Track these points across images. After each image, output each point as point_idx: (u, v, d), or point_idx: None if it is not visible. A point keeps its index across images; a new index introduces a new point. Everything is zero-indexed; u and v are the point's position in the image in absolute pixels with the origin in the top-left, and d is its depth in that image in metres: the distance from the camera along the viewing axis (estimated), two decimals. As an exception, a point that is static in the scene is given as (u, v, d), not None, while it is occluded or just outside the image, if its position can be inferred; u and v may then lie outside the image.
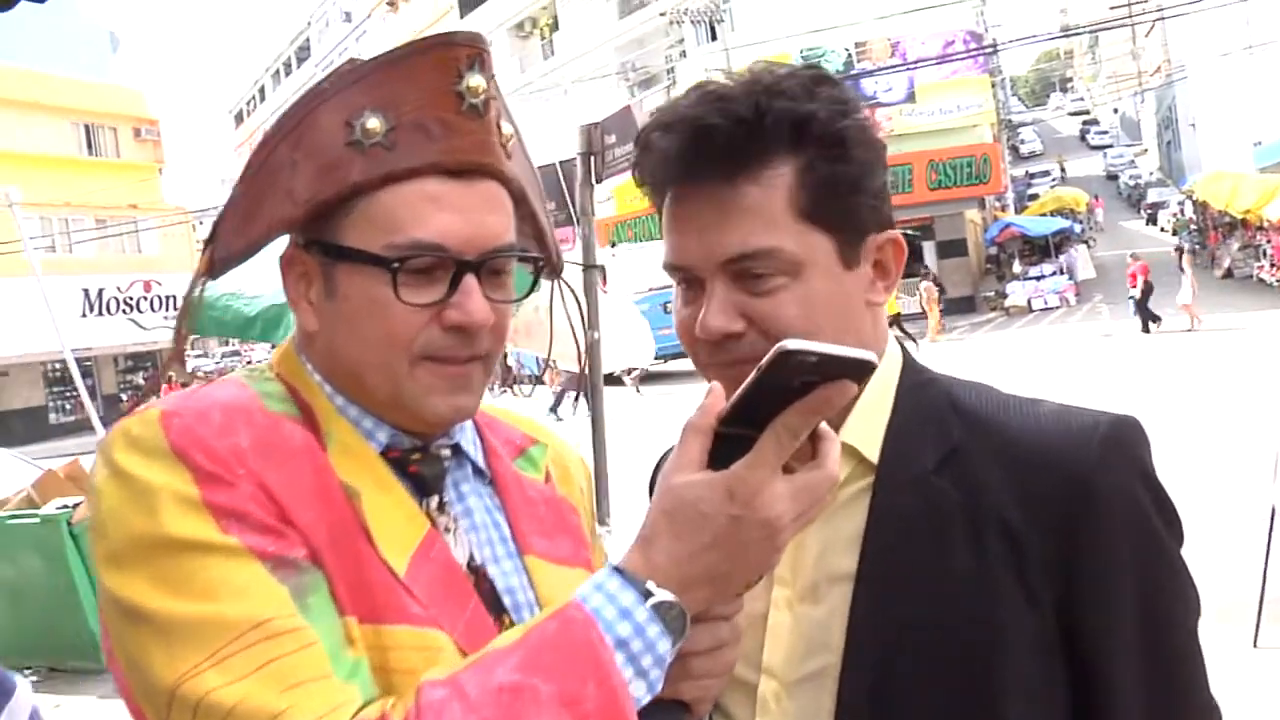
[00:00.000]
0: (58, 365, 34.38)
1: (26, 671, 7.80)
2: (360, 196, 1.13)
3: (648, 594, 0.99)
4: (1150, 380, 16.11)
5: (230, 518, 1.02)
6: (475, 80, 1.16)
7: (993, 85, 38.54)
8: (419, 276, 1.12)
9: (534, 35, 48.65)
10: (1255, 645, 5.60)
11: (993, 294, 34.73)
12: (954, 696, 1.16)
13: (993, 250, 38.03)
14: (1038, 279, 33.74)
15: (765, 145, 1.18)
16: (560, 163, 5.22)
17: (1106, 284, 31.52)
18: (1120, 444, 1.20)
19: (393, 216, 1.12)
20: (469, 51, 1.17)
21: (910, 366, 1.32)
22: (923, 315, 29.12)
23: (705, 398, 1.04)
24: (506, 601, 1.21)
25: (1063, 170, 65.23)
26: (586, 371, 4.58)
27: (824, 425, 1.04)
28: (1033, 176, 64.67)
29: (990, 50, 35.77)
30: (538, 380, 24.40)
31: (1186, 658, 1.23)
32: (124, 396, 37.76)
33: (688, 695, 1.07)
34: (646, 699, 0.99)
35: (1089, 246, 39.32)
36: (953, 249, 34.31)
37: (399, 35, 55.00)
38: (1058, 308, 31.67)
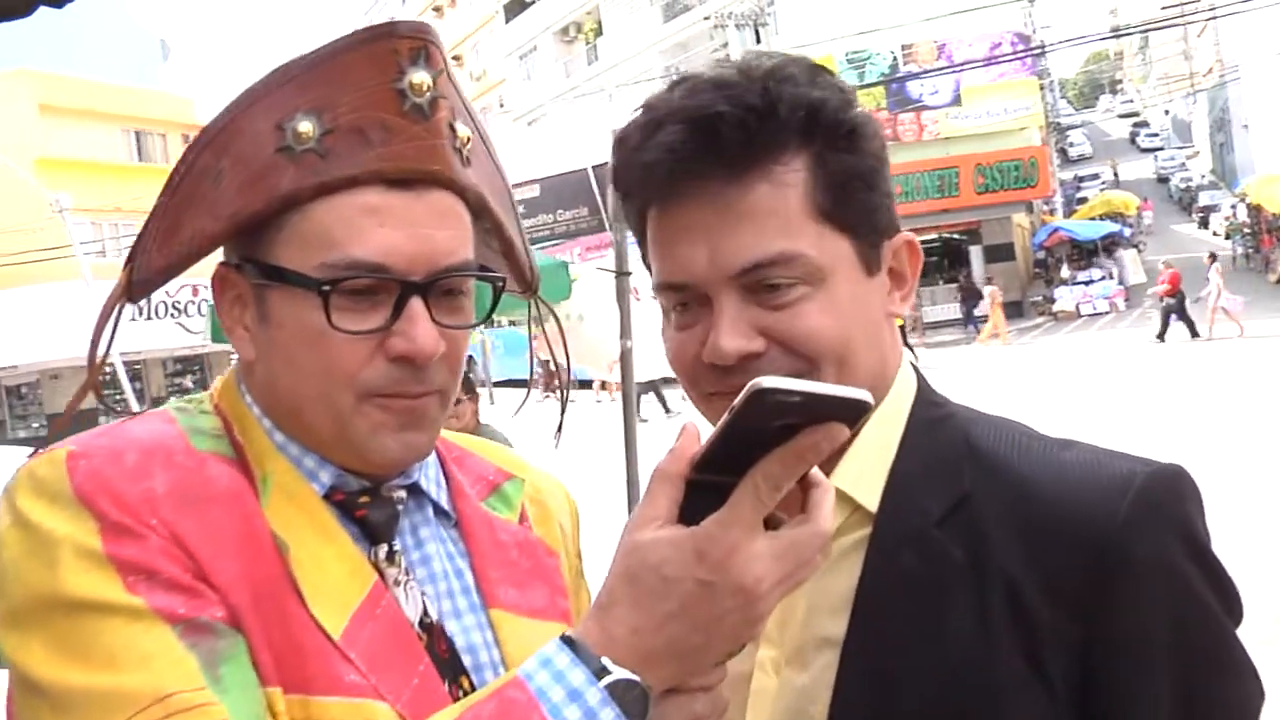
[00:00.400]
0: (108, 369, 34.75)
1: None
2: (292, 209, 1.01)
3: (602, 671, 0.85)
4: (1202, 389, 15.79)
5: (137, 574, 0.92)
6: (419, 76, 1.04)
7: (1041, 87, 38.10)
8: (358, 300, 1.01)
9: (578, 40, 48.72)
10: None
11: (1040, 299, 34.29)
12: None
13: (1041, 255, 37.57)
14: (1086, 284, 33.30)
15: (778, 136, 1.04)
16: (593, 168, 5.16)
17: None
18: (1158, 502, 1.02)
19: (327, 232, 1.00)
20: (411, 44, 1.04)
21: (925, 397, 1.15)
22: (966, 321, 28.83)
23: (677, 439, 0.90)
24: (467, 661, 1.08)
25: (1115, 175, 64.17)
26: (619, 380, 4.51)
27: (815, 471, 0.91)
28: (1081, 180, 63.96)
29: (1038, 52, 35.38)
30: (584, 385, 24.30)
31: None
32: (171, 399, 38.21)
33: None
34: None
35: (1139, 250, 38.72)
36: (1000, 253, 33.91)
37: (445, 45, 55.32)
38: (1107, 313, 31.22)
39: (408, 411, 1.05)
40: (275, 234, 1.02)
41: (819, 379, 1.03)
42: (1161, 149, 77.97)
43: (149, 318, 36.13)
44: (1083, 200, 51.17)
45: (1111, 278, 33.58)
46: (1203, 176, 63.14)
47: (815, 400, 0.82)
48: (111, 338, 1.10)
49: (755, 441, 0.85)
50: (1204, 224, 51.01)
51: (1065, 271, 34.68)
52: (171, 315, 37.00)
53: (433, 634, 1.07)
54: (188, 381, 39.74)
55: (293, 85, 1.03)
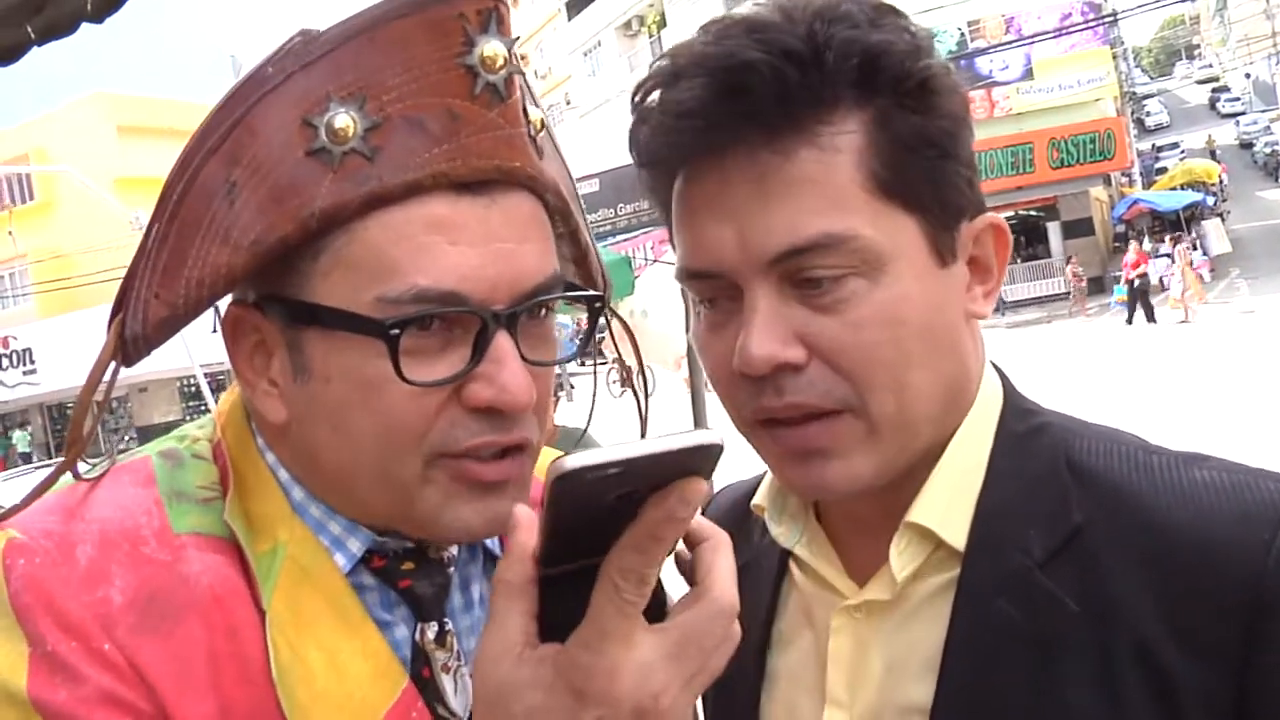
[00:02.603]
0: (191, 381, 35.52)
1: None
2: (334, 230, 0.80)
3: None
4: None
5: None
6: (492, 47, 0.81)
7: (1114, 57, 37.18)
8: (428, 340, 0.80)
9: (642, 34, 48.53)
10: None
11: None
12: None
13: (1121, 228, 36.63)
14: (1170, 256, 32.45)
15: (826, 90, 0.84)
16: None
17: (1244, 258, 30.02)
18: None
19: (383, 257, 0.79)
20: (479, 5, 0.80)
21: (1014, 405, 0.96)
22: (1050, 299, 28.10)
23: (511, 534, 0.71)
24: None
25: (1212, 152, 61.45)
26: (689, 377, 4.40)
27: (698, 522, 0.74)
28: (1160, 150, 62.28)
29: (1110, 20, 34.50)
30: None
31: None
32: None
33: None
34: None
35: (1223, 219, 37.56)
36: (1079, 229, 33.11)
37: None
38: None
39: (490, 478, 0.84)
40: (310, 263, 0.81)
41: (870, 409, 0.86)
42: (1243, 113, 75.69)
43: (230, 329, 37.04)
44: (1162, 170, 49.78)
45: (1195, 248, 32.65)
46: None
47: (645, 464, 0.65)
48: (101, 405, 0.87)
49: (597, 520, 0.68)
50: (1292, 189, 49.50)
51: (1147, 244, 33.80)
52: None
53: None
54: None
55: (322, 66, 0.80)
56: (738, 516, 1.11)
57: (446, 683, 0.88)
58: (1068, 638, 0.85)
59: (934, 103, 0.88)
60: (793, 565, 1.04)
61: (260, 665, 0.80)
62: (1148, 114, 78.64)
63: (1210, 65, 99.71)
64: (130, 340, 0.85)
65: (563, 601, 0.70)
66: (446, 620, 0.91)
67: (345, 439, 0.83)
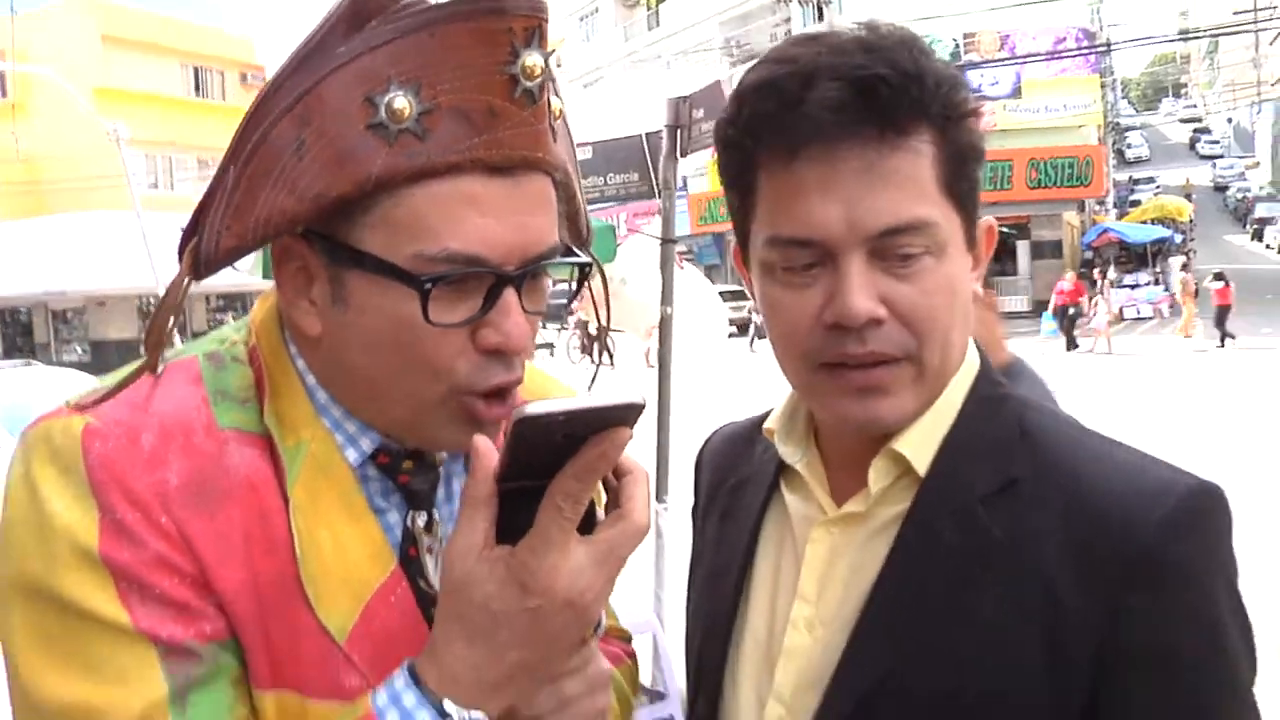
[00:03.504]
0: (152, 300, 35.16)
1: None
2: (382, 193, 0.93)
3: (444, 714, 0.87)
4: (1240, 400, 15.64)
5: (130, 584, 0.90)
6: (533, 59, 0.95)
7: (1102, 86, 37.57)
8: (451, 293, 0.95)
9: (640, 5, 48.49)
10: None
11: (1085, 299, 34.00)
12: None
13: (1088, 255, 37.17)
14: (1132, 287, 32.93)
15: (922, 104, 1.01)
16: (646, 135, 5.20)
17: (1204, 298, 30.63)
18: (1198, 518, 1.00)
19: (423, 221, 0.93)
20: (527, 23, 0.94)
21: (986, 375, 1.14)
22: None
23: (473, 460, 0.89)
24: None
25: (1190, 196, 61.53)
26: (657, 345, 4.57)
27: (627, 460, 0.91)
28: (1136, 182, 63.07)
29: (1103, 50, 34.89)
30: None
31: None
32: (213, 335, 38.72)
33: None
34: None
35: (1189, 258, 38.20)
36: (1048, 250, 33.57)
37: None
38: (1150, 318, 30.83)
39: (489, 412, 1.01)
40: (361, 216, 0.94)
41: (924, 357, 1.05)
42: (1221, 157, 77.01)
43: (196, 252, 36.57)
44: (1135, 203, 50.50)
45: (1158, 283, 33.20)
46: (1261, 188, 62.17)
47: (586, 415, 0.84)
48: (175, 319, 1.00)
49: (547, 452, 0.86)
50: (1258, 236, 50.33)
51: (1112, 274, 34.33)
52: (218, 251, 37.44)
53: None
54: (229, 318, 40.05)
55: (385, 52, 0.93)
56: (736, 445, 1.33)
57: (429, 562, 1.05)
58: (990, 562, 1.02)
59: (974, 124, 1.07)
60: (782, 485, 1.22)
61: (285, 543, 0.96)
62: (1129, 146, 79.30)
63: (1195, 106, 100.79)
64: (203, 261, 0.98)
65: (515, 513, 0.88)
66: (435, 511, 1.08)
67: (374, 362, 0.98)
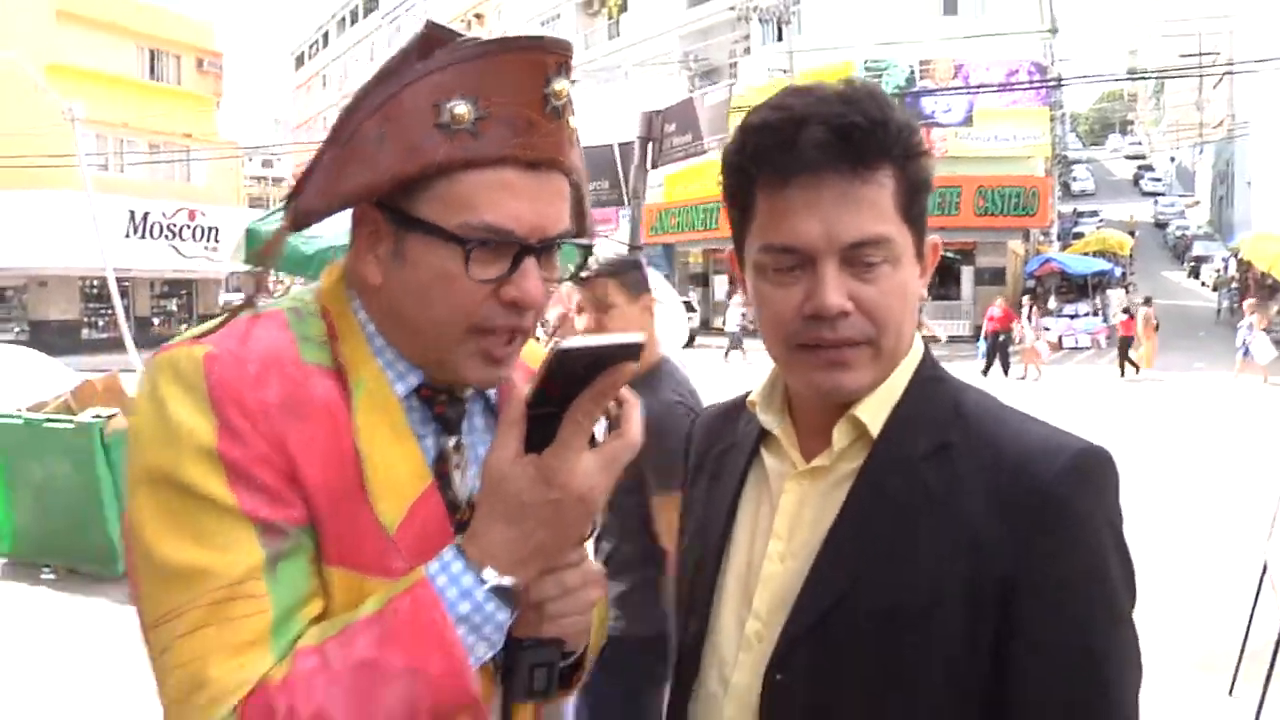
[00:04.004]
0: (95, 282, 34.75)
1: (45, 570, 8.10)
2: (440, 176, 1.20)
3: (484, 580, 1.14)
4: (1165, 426, 16.15)
5: (238, 475, 1.13)
6: (560, 85, 1.25)
7: (1052, 119, 38.34)
8: (486, 254, 1.21)
9: (602, 14, 48.72)
10: (1231, 694, 5.71)
11: (1016, 325, 34.58)
12: (876, 668, 1.25)
13: (1030, 284, 37.91)
14: (1071, 317, 33.64)
15: (885, 146, 1.27)
16: (619, 144, 5.40)
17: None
18: (1088, 471, 1.25)
19: (470, 199, 1.20)
20: (558, 59, 1.25)
21: (928, 361, 1.41)
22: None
23: (508, 393, 1.19)
24: None
25: (1133, 233, 61.80)
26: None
27: (624, 391, 1.18)
28: (1080, 215, 64.06)
29: (1054, 85, 35.61)
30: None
31: (1106, 701, 1.22)
32: (155, 320, 38.19)
33: (552, 633, 1.25)
34: (490, 653, 1.18)
35: (1127, 292, 39.11)
36: (991, 277, 34.14)
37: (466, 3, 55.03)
38: (1088, 348, 31.54)
39: (499, 349, 1.27)
40: (422, 192, 1.21)
41: (880, 348, 1.31)
42: (1163, 194, 78.20)
43: (143, 236, 36.05)
44: (1079, 235, 51.33)
45: (1097, 314, 33.95)
46: (1199, 227, 63.45)
47: (605, 350, 1.12)
48: (270, 264, 1.33)
49: (570, 381, 1.13)
50: (1194, 274, 51.29)
51: (1052, 303, 35.02)
52: (165, 237, 37.00)
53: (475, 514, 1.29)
54: (173, 305, 39.65)
55: (451, 72, 1.21)
56: (722, 419, 1.61)
57: (456, 476, 1.31)
58: (925, 508, 1.27)
59: (925, 162, 1.33)
60: (762, 449, 1.48)
61: (352, 456, 1.21)
62: (1074, 179, 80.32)
63: (1140, 143, 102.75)
64: (300, 215, 1.28)
65: (540, 432, 1.15)
66: (461, 436, 1.34)
67: (419, 305, 1.25)
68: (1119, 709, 1.23)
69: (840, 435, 1.35)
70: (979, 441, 1.30)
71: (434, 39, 1.26)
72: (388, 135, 1.22)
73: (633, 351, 1.13)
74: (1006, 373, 25.12)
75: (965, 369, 24.46)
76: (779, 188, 1.30)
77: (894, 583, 1.26)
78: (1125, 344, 25.32)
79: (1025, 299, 28.13)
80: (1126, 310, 26.60)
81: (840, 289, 1.28)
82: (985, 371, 24.89)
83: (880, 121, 1.27)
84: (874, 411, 1.34)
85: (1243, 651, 5.80)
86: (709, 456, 1.57)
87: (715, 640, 1.42)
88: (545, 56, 1.24)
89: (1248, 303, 26.50)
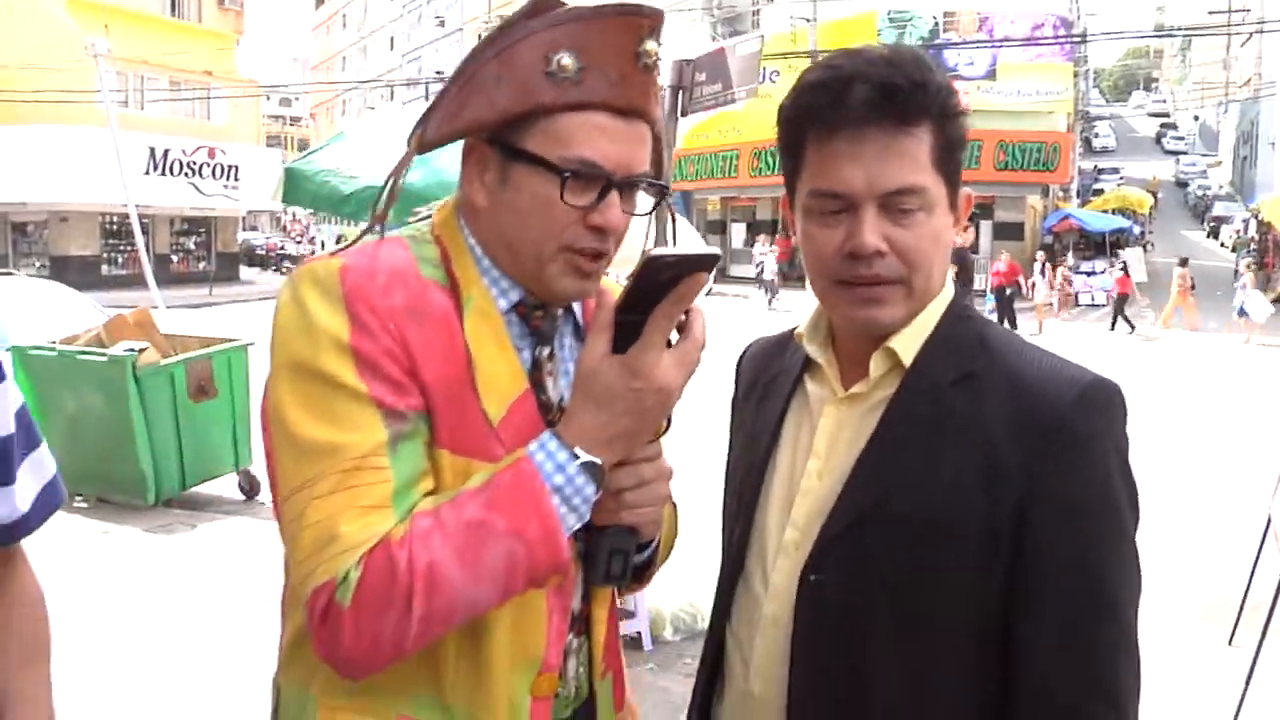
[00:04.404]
0: (115, 218, 34.89)
1: (78, 498, 8.30)
2: (544, 115, 1.39)
3: (577, 455, 1.32)
4: (1178, 383, 16.23)
5: (367, 366, 1.30)
6: (651, 45, 1.44)
7: (1075, 74, 37.96)
8: (579, 184, 1.38)
9: (624, -42, 48.14)
10: (1231, 644, 5.85)
11: (1023, 280, 34.43)
12: (900, 574, 1.39)
13: (1048, 239, 37.70)
14: (1089, 274, 33.49)
15: (925, 105, 1.41)
16: (651, 92, 5.47)
17: (1158, 289, 31.22)
18: (1098, 400, 1.38)
19: (569, 135, 1.39)
20: (652, 23, 1.44)
21: (958, 300, 1.54)
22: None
23: (600, 302, 1.36)
24: None
25: (1156, 197, 62.28)
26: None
27: (694, 305, 1.34)
28: (1101, 172, 63.38)
29: (1079, 40, 35.23)
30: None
31: (1107, 608, 1.35)
32: (174, 258, 38.37)
33: (629, 520, 1.43)
34: (579, 524, 1.34)
35: (1145, 250, 38.91)
36: (1009, 231, 33.98)
37: (490, -61, 54.37)
38: (1104, 305, 31.42)
39: (586, 267, 1.44)
40: (528, 128, 1.40)
41: (912, 287, 1.45)
42: (1185, 153, 77.19)
43: (162, 173, 36.07)
44: (1099, 192, 50.83)
45: (1124, 271, 33.77)
46: (1220, 187, 62.86)
47: (686, 260, 1.26)
48: (388, 194, 1.48)
49: (653, 289, 1.28)
50: (1214, 234, 50.87)
51: (1070, 259, 34.84)
52: (185, 174, 37.01)
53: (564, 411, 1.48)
54: (191, 242, 39.73)
55: (561, 30, 1.40)
56: (771, 349, 1.77)
57: (549, 381, 1.49)
58: (951, 429, 1.41)
59: (961, 120, 1.46)
60: (805, 377, 1.63)
61: (463, 357, 1.39)
62: (1096, 135, 78.86)
63: (1164, 101, 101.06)
64: (426, 143, 1.46)
65: (626, 335, 1.31)
66: (553, 347, 1.52)
67: (521, 224, 1.43)
68: (1117, 621, 1.36)
69: (876, 365, 1.49)
70: (1000, 372, 1.43)
71: (541, 5, 1.44)
72: (504, 78, 1.40)
73: (710, 262, 1.27)
74: (1015, 328, 25.04)
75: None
76: (827, 139, 1.43)
77: (919, 497, 1.40)
78: (1121, 301, 25.58)
79: (1039, 254, 28.07)
80: (1124, 268, 26.88)
81: (877, 231, 1.41)
82: (1013, 326, 24.93)
83: (920, 83, 1.40)
84: (907, 344, 1.48)
85: (1244, 603, 5.93)
86: (759, 381, 1.72)
87: (758, 546, 1.57)
88: (641, 20, 1.43)
89: (1243, 262, 26.57)
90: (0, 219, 35.77)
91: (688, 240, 6.02)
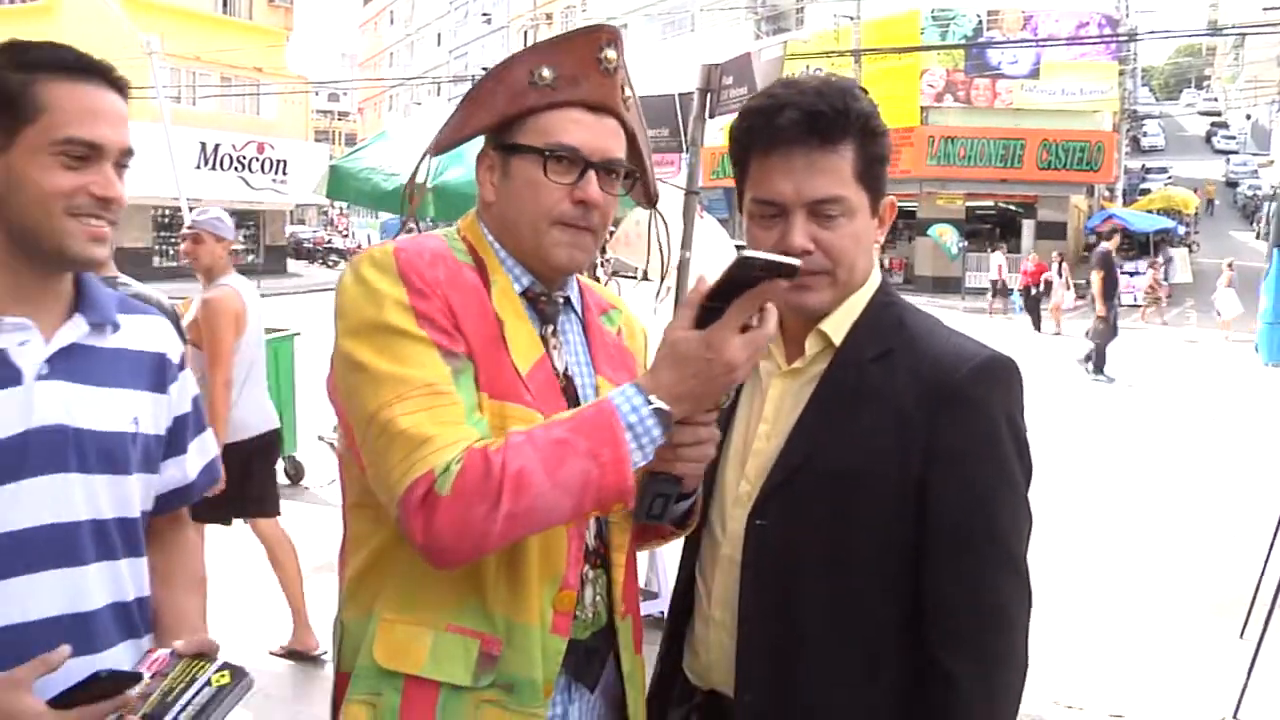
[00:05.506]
0: (167, 211, 35.41)
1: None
2: (532, 115, 1.72)
3: (650, 402, 1.53)
4: (1178, 384, 16.13)
5: (424, 319, 1.59)
6: (611, 53, 1.76)
7: (1121, 73, 37.49)
8: (561, 165, 1.70)
9: (670, -43, 48.18)
10: (1241, 637, 5.96)
11: (1084, 281, 33.97)
12: (829, 515, 1.68)
13: (1091, 239, 37.24)
14: (1132, 274, 33.08)
15: (846, 128, 1.69)
16: (679, 95, 5.69)
17: (1203, 291, 30.75)
18: (992, 371, 1.68)
19: (550, 127, 1.71)
20: (608, 35, 1.78)
21: (883, 289, 1.84)
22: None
23: (696, 289, 1.55)
24: (582, 399, 1.78)
25: (1210, 204, 61.58)
26: (673, 285, 5.08)
27: (768, 304, 1.53)
28: (1149, 171, 62.27)
29: (1124, 39, 34.86)
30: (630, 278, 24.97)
31: (992, 539, 1.64)
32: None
33: (679, 471, 1.64)
34: (643, 461, 1.54)
35: (1190, 251, 38.36)
36: (1052, 231, 33.70)
37: (536, -64, 54.43)
38: (1141, 304, 31.09)
39: (576, 236, 1.73)
40: (520, 126, 1.74)
41: (836, 278, 1.72)
42: (1236, 153, 75.62)
43: (213, 168, 36.62)
44: (1145, 191, 50.16)
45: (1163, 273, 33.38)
46: (1272, 187, 61.68)
47: (772, 264, 1.44)
48: (410, 195, 1.88)
49: (738, 285, 1.47)
50: (1264, 235, 50.12)
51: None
52: (235, 169, 37.56)
53: (568, 381, 1.78)
54: (239, 235, 40.15)
55: (538, 52, 1.76)
56: None
57: (555, 354, 1.77)
58: (871, 396, 1.69)
59: (883, 142, 1.74)
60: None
61: (494, 320, 1.68)
62: (1144, 134, 77.68)
63: (1215, 99, 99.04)
64: (440, 146, 1.84)
65: (707, 317, 1.50)
66: (556, 326, 1.80)
67: (518, 206, 1.74)
68: (1003, 549, 1.65)
69: (811, 344, 1.79)
70: (914, 348, 1.72)
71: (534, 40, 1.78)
72: (499, 91, 1.76)
73: (791, 271, 1.45)
74: (1038, 328, 25.27)
75: (1000, 323, 24.38)
76: (764, 156, 1.73)
77: (842, 453, 1.68)
78: (1026, 295, 25.92)
79: (1055, 255, 27.95)
80: (1050, 263, 27.09)
81: (805, 233, 1.69)
82: (1035, 327, 25.04)
83: (843, 110, 1.68)
84: (837, 326, 1.77)
85: (1255, 596, 6.04)
86: None
87: (719, 498, 1.86)
88: (600, 35, 1.78)
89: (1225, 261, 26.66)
90: (56, 211, 36.24)
91: (717, 239, 6.23)
